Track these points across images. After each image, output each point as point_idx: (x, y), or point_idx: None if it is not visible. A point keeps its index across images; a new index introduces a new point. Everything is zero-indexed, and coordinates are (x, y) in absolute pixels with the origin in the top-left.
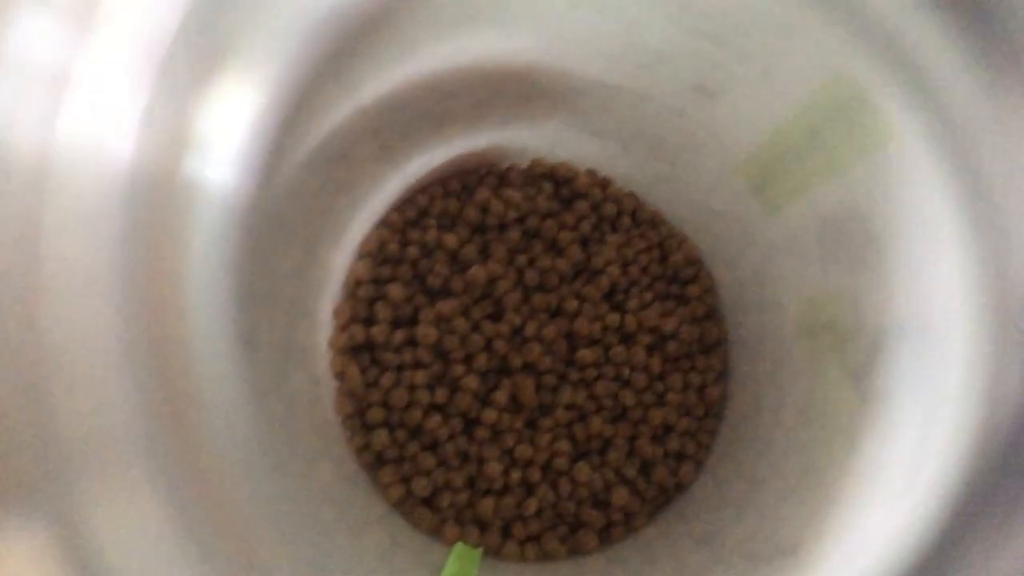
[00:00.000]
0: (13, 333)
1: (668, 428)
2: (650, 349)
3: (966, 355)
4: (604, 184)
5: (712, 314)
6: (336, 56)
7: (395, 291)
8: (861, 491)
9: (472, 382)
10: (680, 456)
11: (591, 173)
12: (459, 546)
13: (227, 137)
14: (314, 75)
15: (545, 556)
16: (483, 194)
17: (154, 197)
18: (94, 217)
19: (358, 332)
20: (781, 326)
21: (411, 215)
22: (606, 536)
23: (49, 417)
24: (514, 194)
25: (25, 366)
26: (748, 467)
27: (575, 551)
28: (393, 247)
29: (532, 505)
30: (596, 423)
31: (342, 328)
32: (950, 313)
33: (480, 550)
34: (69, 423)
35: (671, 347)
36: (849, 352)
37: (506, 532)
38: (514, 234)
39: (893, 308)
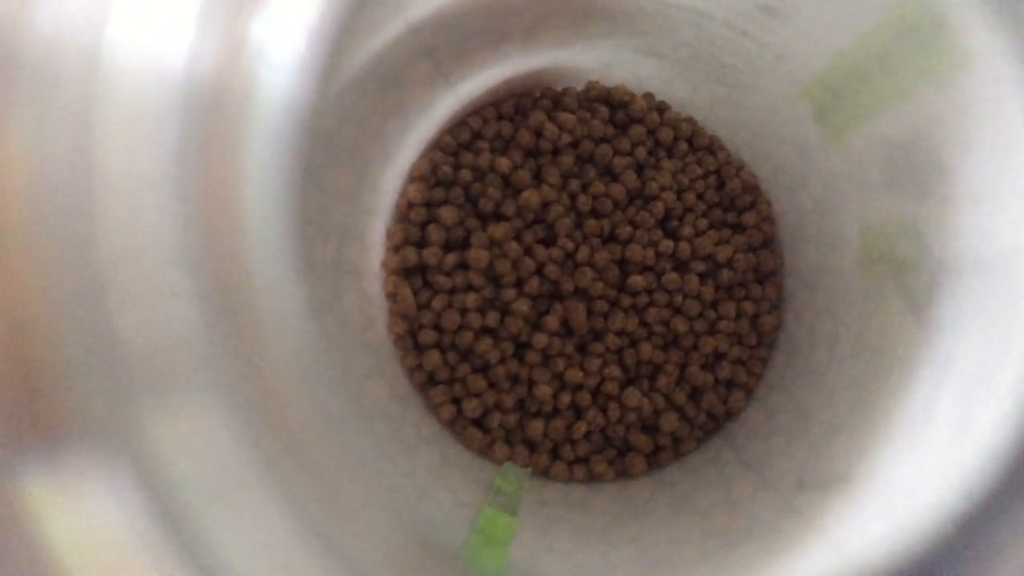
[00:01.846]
0: (69, 248)
1: (720, 356)
2: (703, 277)
3: None
4: (661, 108)
5: (769, 243)
6: None
7: (447, 214)
8: (914, 426)
9: (523, 306)
10: (731, 384)
11: (648, 96)
12: (508, 465)
13: (283, 42)
14: None
15: (593, 478)
16: (537, 117)
17: (210, 103)
18: (149, 124)
19: (410, 254)
20: (840, 256)
21: (464, 138)
22: (654, 460)
23: (110, 335)
24: (568, 118)
25: (83, 282)
26: (800, 397)
27: (623, 474)
28: (446, 170)
29: (581, 428)
30: (647, 349)
31: (394, 250)
32: (1020, 246)
33: (528, 470)
34: (130, 341)
35: (725, 275)
36: (910, 283)
37: (555, 453)
38: (568, 158)
39: (959, 239)
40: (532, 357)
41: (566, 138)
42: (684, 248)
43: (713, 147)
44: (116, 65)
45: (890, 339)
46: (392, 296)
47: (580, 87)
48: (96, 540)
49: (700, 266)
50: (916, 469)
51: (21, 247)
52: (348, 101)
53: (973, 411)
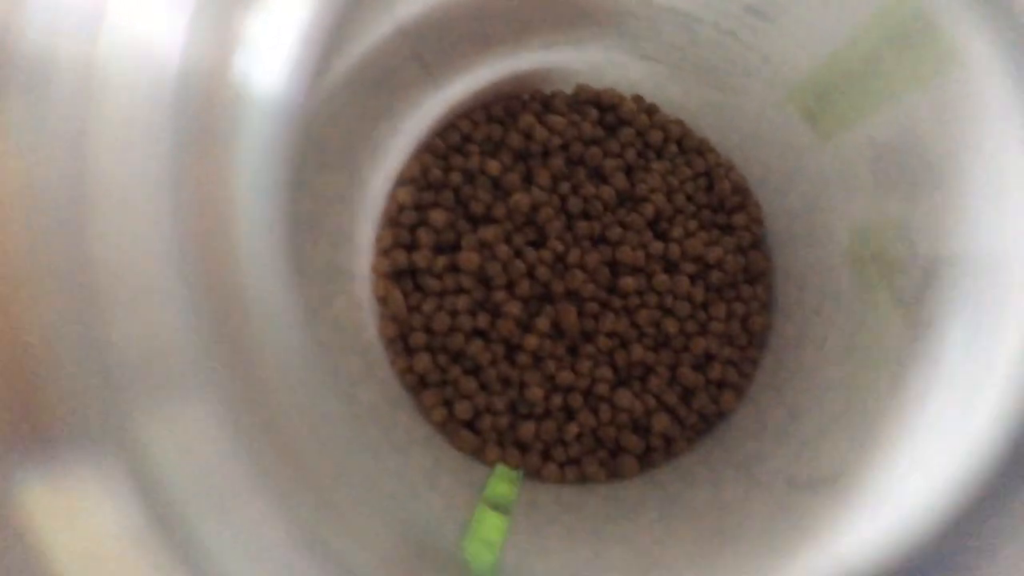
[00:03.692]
0: (62, 249)
1: (710, 357)
2: (694, 278)
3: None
4: (650, 110)
5: (758, 244)
6: None
7: (437, 216)
8: (906, 426)
9: (514, 308)
10: (721, 384)
11: (637, 99)
12: (500, 467)
13: (276, 41)
14: None
15: (585, 479)
16: (527, 120)
17: (202, 105)
18: (141, 127)
19: (401, 257)
20: (830, 256)
21: (454, 140)
22: (646, 461)
23: (104, 339)
24: (558, 120)
25: (77, 287)
26: (791, 397)
27: (615, 475)
28: (436, 173)
29: (573, 429)
30: (638, 350)
31: (385, 253)
32: (1011, 245)
33: (521, 471)
34: (124, 346)
35: (715, 276)
36: (900, 283)
37: (546, 455)
38: (558, 161)
39: (948, 238)
40: (523, 359)
41: (556, 140)
42: (674, 249)
43: (703, 149)
44: (109, 68)
45: (880, 339)
46: (382, 300)
47: (569, 90)
48: (91, 543)
49: (690, 267)
50: (908, 469)
51: (15, 252)
52: (338, 104)
53: (964, 410)
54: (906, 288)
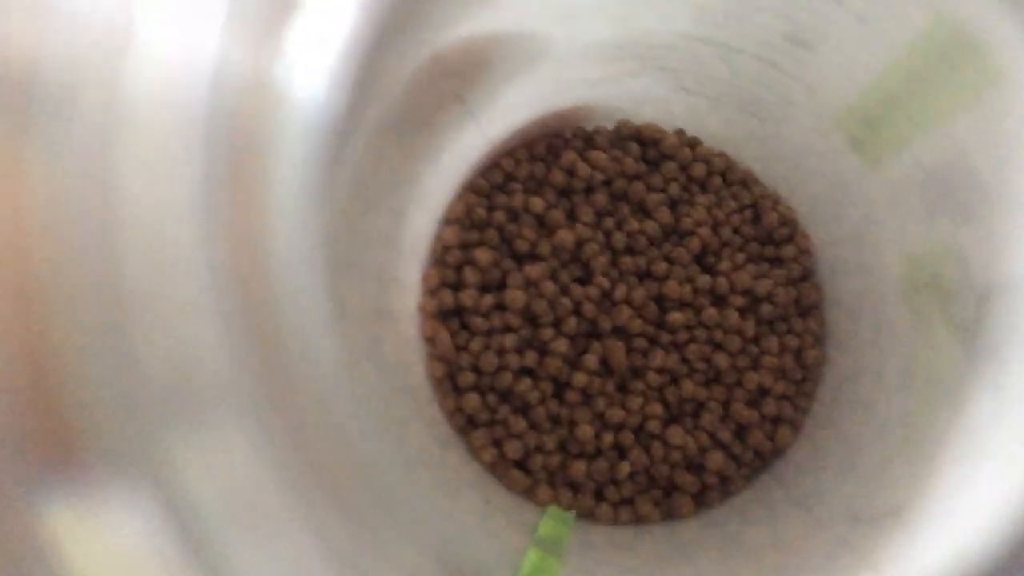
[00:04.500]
0: (91, 272)
1: (764, 391)
2: (743, 311)
3: None
4: (693, 144)
5: (809, 275)
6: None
7: (483, 256)
8: (968, 456)
9: (561, 346)
10: (777, 420)
11: (679, 133)
12: (552, 508)
13: (313, 61)
14: (392, 25)
15: (639, 519)
16: (569, 157)
17: (236, 124)
18: (172, 152)
19: (447, 297)
20: (883, 285)
21: (497, 179)
22: (701, 500)
23: (133, 359)
24: (600, 156)
25: (106, 306)
26: (848, 431)
27: (669, 515)
28: (480, 212)
29: (624, 469)
30: (688, 386)
31: (431, 293)
32: None
33: (573, 513)
34: (154, 367)
35: (766, 309)
36: (956, 310)
37: (599, 495)
38: (601, 197)
39: (1004, 262)
40: (572, 397)
41: (599, 176)
42: (722, 283)
43: (747, 181)
44: (137, 90)
45: (939, 369)
46: (430, 340)
47: (611, 126)
48: (117, 567)
49: (739, 300)
50: (972, 501)
51: (43, 274)
52: (381, 145)
53: None
54: (962, 315)
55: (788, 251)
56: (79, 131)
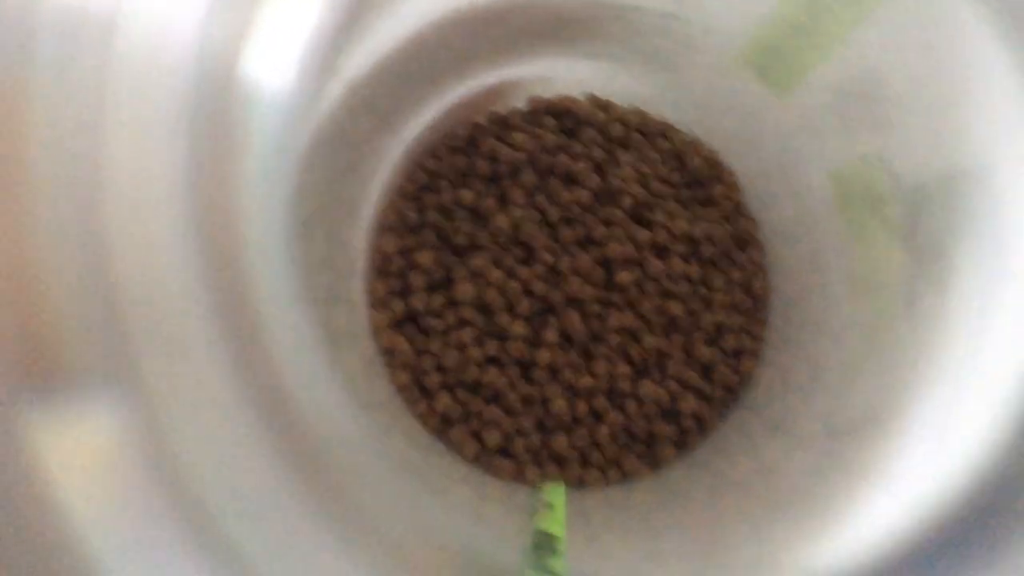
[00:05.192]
0: (82, 202)
1: (721, 328)
2: (686, 257)
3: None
4: (606, 106)
5: (741, 209)
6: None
7: (424, 258)
8: (932, 354)
9: (519, 328)
10: (738, 353)
11: (591, 98)
12: (544, 486)
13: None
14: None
15: (626, 476)
16: (488, 143)
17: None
18: (157, 111)
19: (397, 306)
20: (815, 205)
21: (422, 179)
22: (682, 444)
23: (113, 292)
24: (519, 136)
25: (91, 241)
26: (807, 349)
27: (655, 465)
28: (412, 215)
29: (604, 431)
30: (649, 339)
31: (381, 305)
32: (1000, 154)
33: (562, 485)
34: (131, 302)
35: (707, 250)
36: (891, 214)
37: (585, 462)
38: (528, 176)
39: (930, 162)
40: (540, 375)
41: (521, 156)
42: (661, 234)
43: (666, 131)
44: (130, 41)
45: (885, 274)
46: (389, 350)
47: (522, 105)
48: (90, 466)
49: (680, 247)
50: (949, 396)
51: (39, 199)
52: (306, 168)
53: (984, 327)
54: (899, 219)
55: (717, 190)
56: (77, 76)
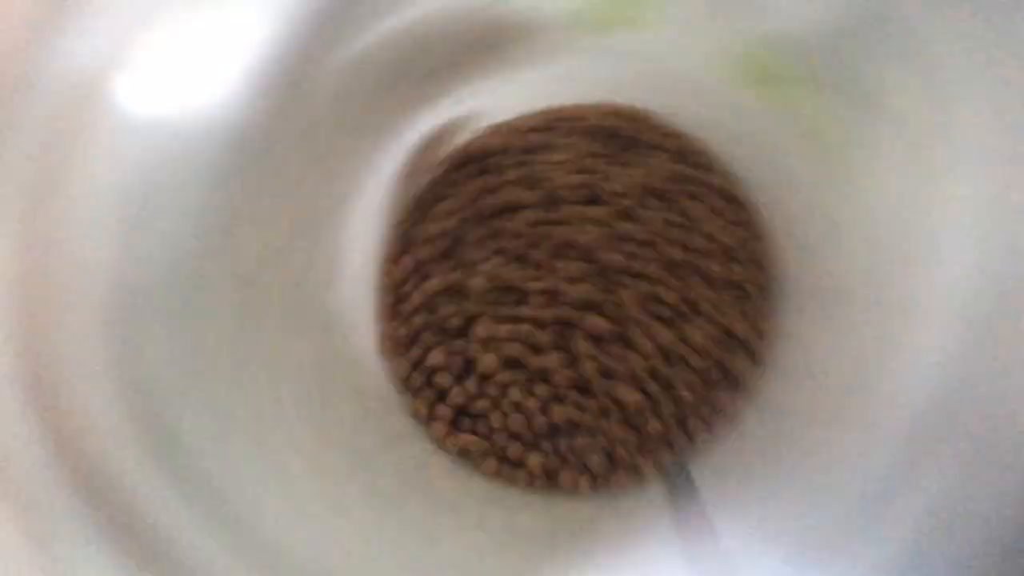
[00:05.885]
0: None
1: (728, 254)
2: (630, 215)
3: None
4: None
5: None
6: None
7: (436, 359)
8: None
9: (554, 360)
10: (740, 285)
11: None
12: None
13: None
14: None
15: (690, 438)
16: (475, 184)
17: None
18: None
19: (443, 412)
20: (728, 101)
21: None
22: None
23: None
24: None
25: None
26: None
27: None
28: (402, 332)
29: (654, 425)
30: (670, 295)
31: (428, 420)
32: None
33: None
34: None
35: (655, 203)
36: (814, 82)
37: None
38: (475, 231)
39: (818, 15)
40: (595, 378)
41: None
42: (620, 202)
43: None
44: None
45: (834, 136)
46: (466, 451)
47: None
48: None
49: (628, 202)
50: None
51: None
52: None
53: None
54: (825, 79)
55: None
56: None
